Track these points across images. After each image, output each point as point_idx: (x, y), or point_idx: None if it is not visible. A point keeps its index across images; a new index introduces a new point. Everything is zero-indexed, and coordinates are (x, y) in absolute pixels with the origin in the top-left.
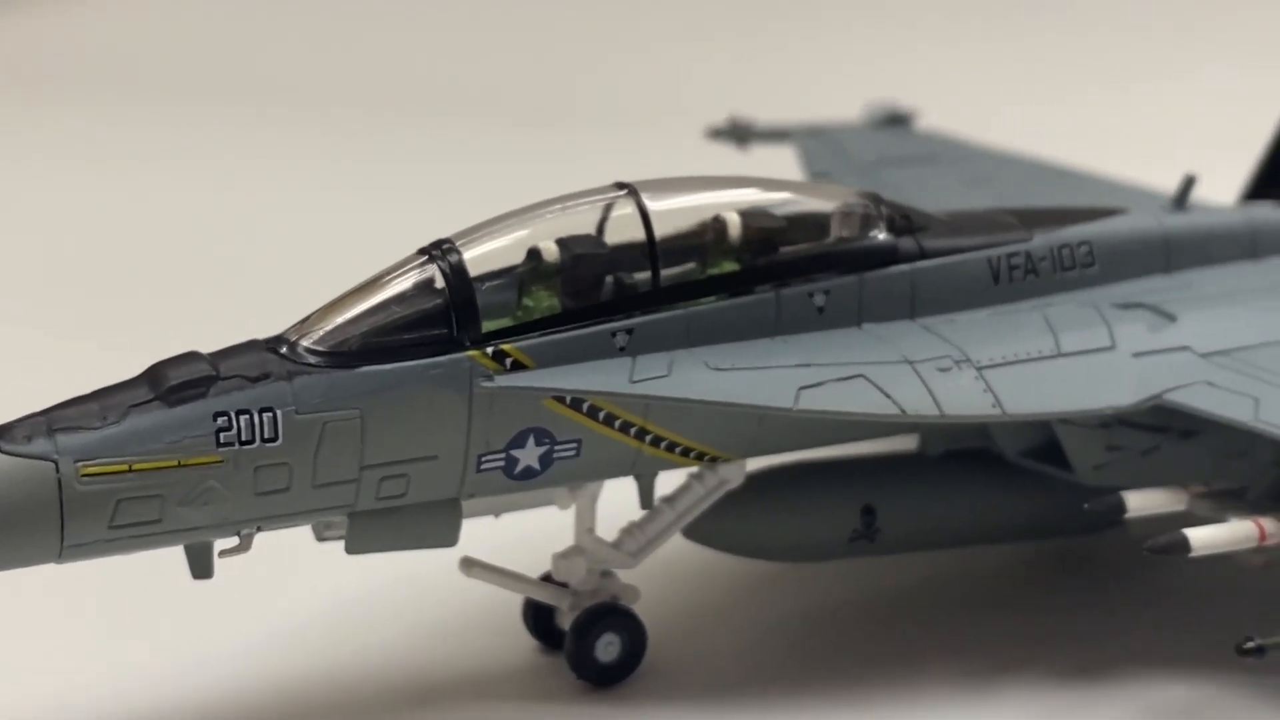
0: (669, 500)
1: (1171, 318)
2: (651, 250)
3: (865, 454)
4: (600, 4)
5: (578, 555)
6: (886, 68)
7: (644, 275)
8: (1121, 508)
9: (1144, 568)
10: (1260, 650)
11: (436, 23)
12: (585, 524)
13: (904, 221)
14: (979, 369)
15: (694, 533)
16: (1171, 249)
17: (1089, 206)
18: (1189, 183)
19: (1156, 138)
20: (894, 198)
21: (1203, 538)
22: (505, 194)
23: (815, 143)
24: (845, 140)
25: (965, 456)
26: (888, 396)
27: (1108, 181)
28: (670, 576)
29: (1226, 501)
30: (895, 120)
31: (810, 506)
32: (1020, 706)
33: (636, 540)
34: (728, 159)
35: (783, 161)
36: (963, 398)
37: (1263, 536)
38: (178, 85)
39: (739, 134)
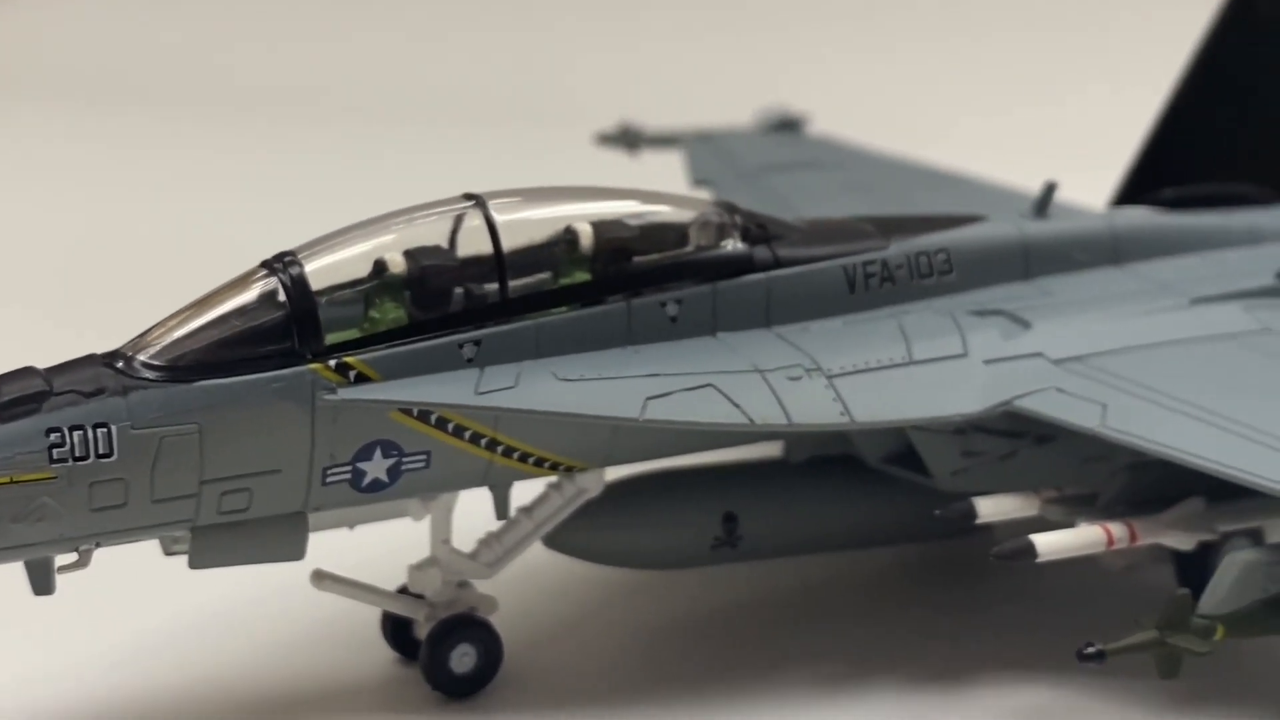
0: (527, 510)
1: (1026, 324)
2: (499, 261)
3: (728, 461)
4: (492, 5)
5: (432, 566)
6: (782, 72)
7: (492, 286)
8: (972, 514)
9: (1008, 572)
10: (1100, 655)
11: (319, 23)
12: (440, 535)
13: (759, 230)
14: (829, 377)
15: (554, 542)
16: (1031, 256)
17: (949, 214)
18: (1050, 189)
19: (1042, 145)
20: (774, 203)
21: (1049, 543)
22: (386, 198)
23: (704, 148)
24: (733, 145)
25: (828, 463)
26: (736, 406)
27: (991, 187)
28: (530, 586)
29: (1078, 506)
30: (786, 125)
31: (671, 514)
32: (878, 712)
33: (493, 551)
34: (617, 165)
35: (672, 167)
36: (811, 406)
37: (1110, 541)
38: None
39: (629, 139)
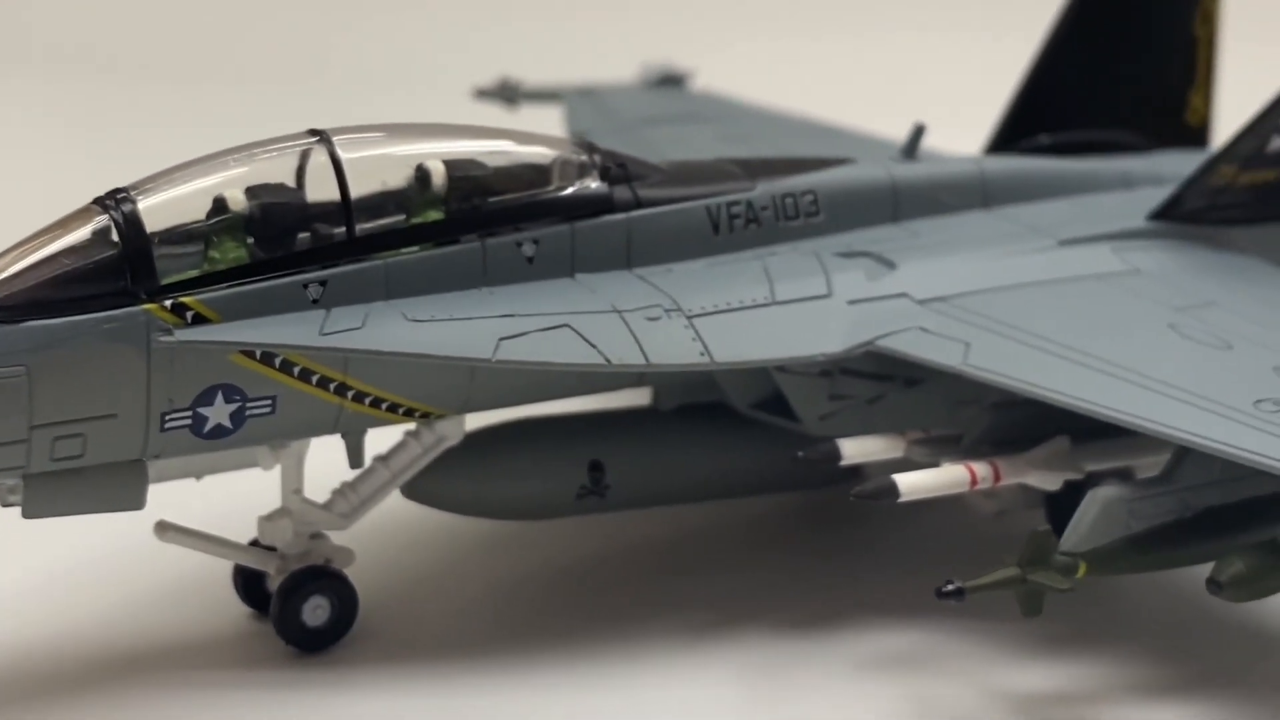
0: (383, 458)
1: (892, 265)
2: (345, 199)
3: (595, 409)
4: None
5: (284, 517)
6: (667, 28)
7: (338, 225)
8: (836, 454)
9: (880, 519)
10: (959, 593)
11: None
12: (291, 484)
13: (619, 170)
14: (689, 318)
15: (413, 491)
16: (899, 198)
17: (818, 156)
18: (919, 132)
19: (916, 95)
20: (648, 154)
21: (912, 483)
22: None
23: (583, 102)
24: (614, 100)
25: (698, 411)
26: (593, 346)
27: (869, 139)
28: (388, 538)
29: (944, 447)
30: (669, 80)
31: (535, 463)
32: (741, 659)
33: (349, 501)
34: (496, 119)
35: (550, 122)
36: (670, 346)
37: (974, 480)
38: None
39: (507, 94)
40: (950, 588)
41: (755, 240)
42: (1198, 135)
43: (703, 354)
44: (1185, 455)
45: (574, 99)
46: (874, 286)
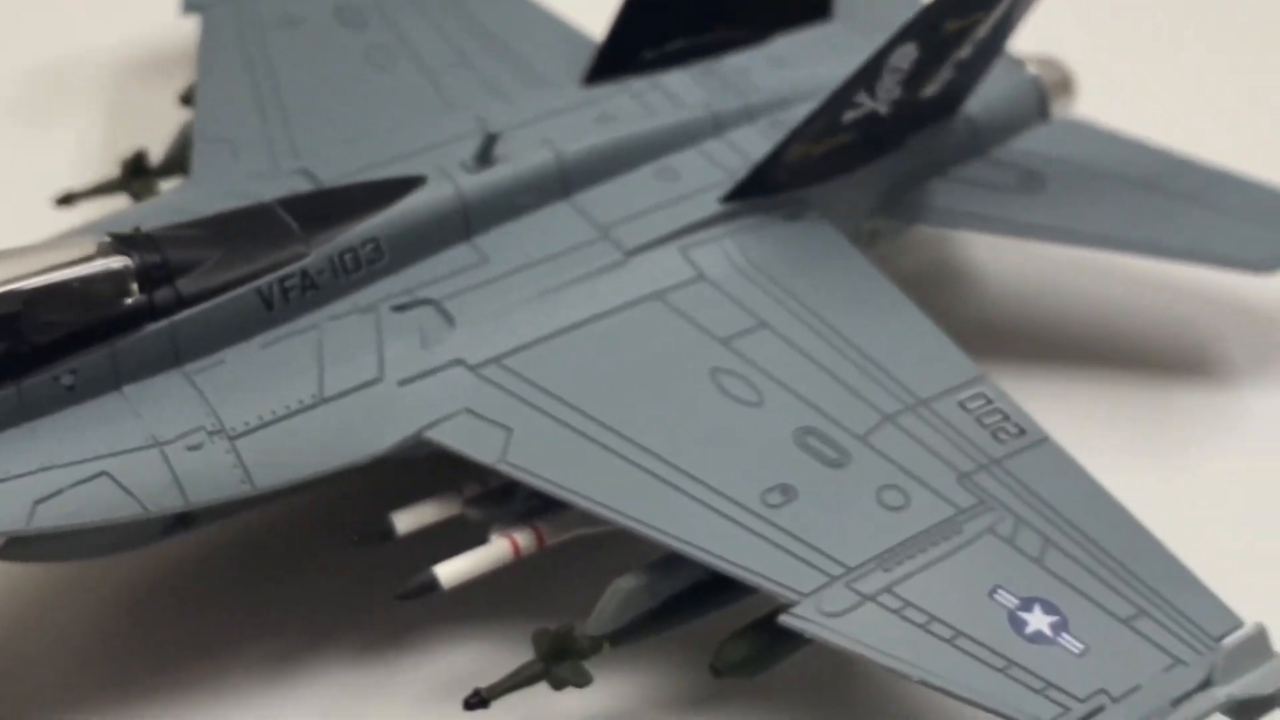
0: None
1: (450, 320)
2: None
3: None
4: None
5: None
6: None
7: None
8: (390, 533)
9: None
10: (484, 702)
11: None
12: None
13: (159, 270)
14: (232, 439)
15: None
16: (471, 213)
17: (386, 180)
18: (490, 140)
19: None
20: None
21: (453, 571)
22: None
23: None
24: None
25: None
26: (130, 495)
27: (541, 38)
28: None
29: (500, 502)
30: None
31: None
32: (323, 686)
33: None
34: None
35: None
36: (211, 479)
37: (516, 552)
38: None
39: None
40: (474, 699)
41: (314, 304)
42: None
43: (244, 481)
44: None
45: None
46: (427, 357)
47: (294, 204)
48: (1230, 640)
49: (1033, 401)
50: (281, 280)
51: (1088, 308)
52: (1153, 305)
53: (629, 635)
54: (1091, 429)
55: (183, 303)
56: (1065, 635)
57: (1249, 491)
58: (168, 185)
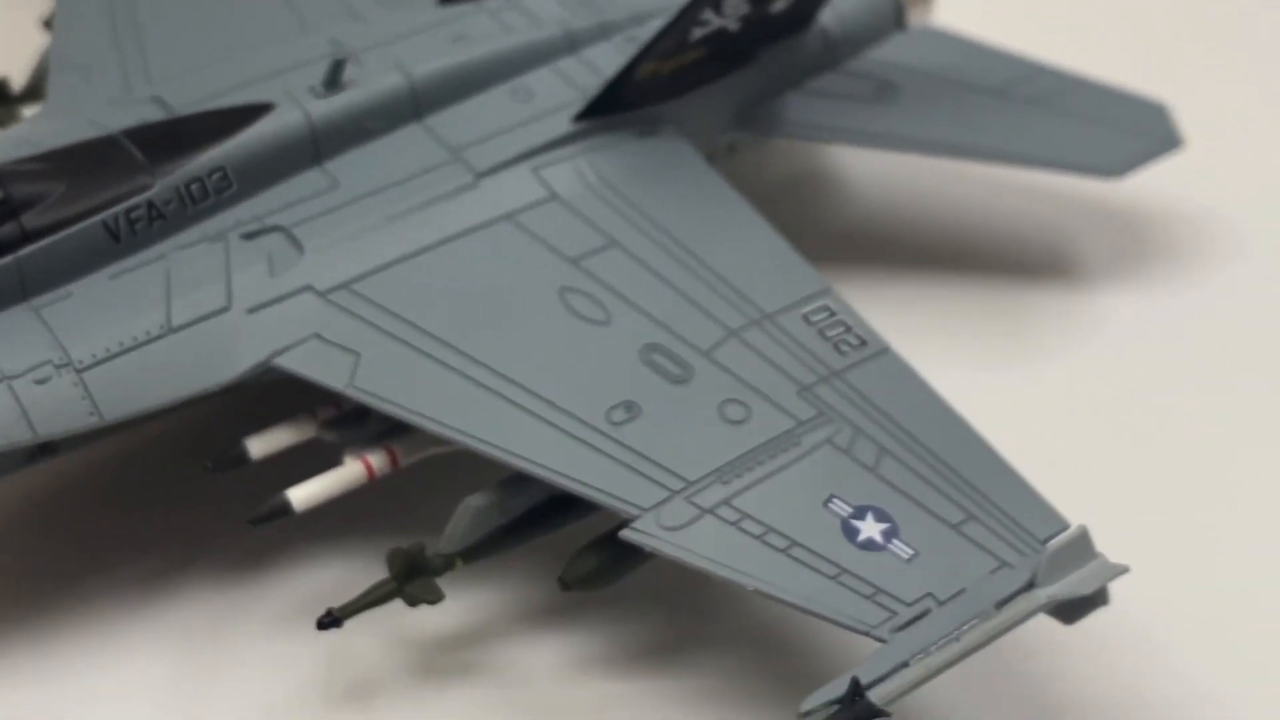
0: None
1: (299, 246)
2: None
3: None
4: None
5: None
6: None
7: None
8: (244, 458)
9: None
10: (336, 622)
11: None
12: None
13: (2, 207)
14: (79, 371)
15: None
16: (320, 139)
17: (233, 107)
18: (339, 64)
19: None
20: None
21: (306, 494)
22: None
23: None
24: None
25: None
26: None
27: None
28: None
29: (355, 424)
30: None
31: None
32: (184, 611)
33: None
34: None
35: None
36: (59, 412)
37: (371, 474)
38: None
39: None
40: (327, 619)
41: (162, 234)
42: None
43: (92, 413)
44: None
45: None
46: (276, 284)
47: (140, 134)
48: (1054, 543)
49: (893, 307)
50: (128, 212)
51: (949, 214)
52: (1012, 210)
53: (480, 552)
54: (949, 333)
55: (27, 237)
56: (896, 542)
57: (1100, 392)
58: (30, 112)
